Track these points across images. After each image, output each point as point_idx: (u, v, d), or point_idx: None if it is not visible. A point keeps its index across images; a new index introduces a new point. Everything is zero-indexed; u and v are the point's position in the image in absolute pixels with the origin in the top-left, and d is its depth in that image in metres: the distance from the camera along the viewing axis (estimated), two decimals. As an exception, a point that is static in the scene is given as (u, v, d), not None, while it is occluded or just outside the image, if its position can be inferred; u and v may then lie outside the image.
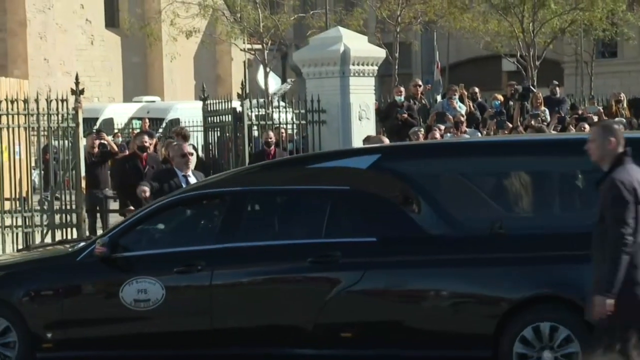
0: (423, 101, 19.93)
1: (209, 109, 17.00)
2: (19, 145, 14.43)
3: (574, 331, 7.54)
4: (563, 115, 19.11)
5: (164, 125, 28.23)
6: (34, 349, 8.34)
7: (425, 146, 10.08)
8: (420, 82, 21.18)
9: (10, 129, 13.86)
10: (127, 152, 16.48)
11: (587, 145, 6.93)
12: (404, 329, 7.94)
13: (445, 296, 7.89)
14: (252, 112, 16.29)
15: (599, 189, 6.84)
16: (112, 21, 40.21)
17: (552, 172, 8.18)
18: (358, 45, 16.63)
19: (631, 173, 6.74)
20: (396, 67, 36.00)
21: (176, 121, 28.25)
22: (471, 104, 20.16)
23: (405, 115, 18.13)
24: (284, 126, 16.77)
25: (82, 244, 8.83)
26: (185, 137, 13.41)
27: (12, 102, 13.89)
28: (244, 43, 40.28)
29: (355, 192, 8.23)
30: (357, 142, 14.79)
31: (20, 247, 12.91)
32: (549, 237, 7.78)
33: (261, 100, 18.37)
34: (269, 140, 15.37)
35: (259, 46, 38.51)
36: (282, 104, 18.81)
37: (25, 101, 14.11)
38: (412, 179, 8.13)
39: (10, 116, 13.79)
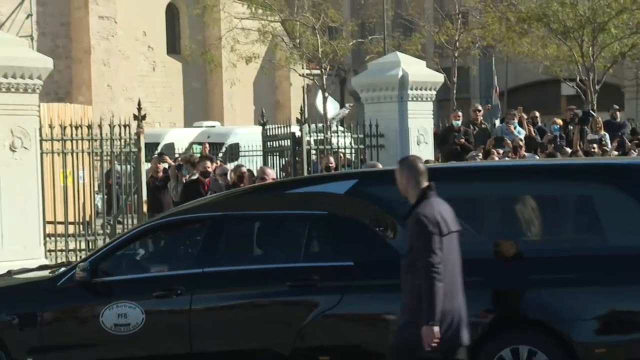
0: (483, 125, 19.85)
1: (268, 133, 17.08)
2: (83, 170, 14.62)
3: (550, 356, 7.56)
4: (623, 139, 18.92)
5: (223, 149, 28.39)
6: None
7: None
8: (480, 107, 21.09)
9: (75, 154, 14.05)
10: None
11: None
12: (381, 352, 7.83)
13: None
14: (310, 136, 16.35)
15: (406, 222, 7.07)
16: (173, 48, 40.60)
17: (533, 198, 8.18)
18: (416, 70, 16.63)
19: (434, 207, 6.98)
20: (454, 91, 35.92)
21: (236, 146, 28.43)
22: (531, 128, 20.04)
23: (463, 140, 18.07)
24: (343, 150, 16.78)
25: (63, 269, 8.82)
26: (211, 160, 13.37)
27: (76, 127, 14.09)
28: (302, 68, 40.44)
29: (333, 216, 8.26)
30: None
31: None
32: (523, 260, 7.84)
33: (320, 125, 18.41)
34: (330, 165, 15.39)
35: (318, 71, 38.64)
36: (340, 128, 18.83)
37: (89, 127, 14.30)
38: (388, 204, 8.14)
39: (74, 141, 13.98)
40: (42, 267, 10.12)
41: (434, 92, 16.76)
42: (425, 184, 7.09)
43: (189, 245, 8.81)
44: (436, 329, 6.82)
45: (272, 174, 12.65)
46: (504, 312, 7.77)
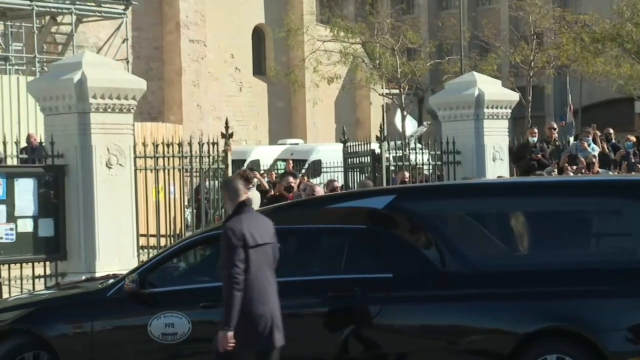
0: (557, 143, 19.65)
1: (349, 150, 17.11)
2: (174, 185, 14.79)
3: None
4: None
5: (306, 166, 28.51)
6: None
7: (437, 187, 10.09)
8: (554, 125, 20.87)
9: (166, 171, 14.22)
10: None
11: None
12: None
13: (458, 330, 7.84)
14: (389, 153, 16.32)
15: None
16: (259, 69, 40.92)
17: (559, 212, 8.19)
18: (492, 89, 16.54)
19: (243, 221, 7.30)
20: (529, 109, 35.62)
21: (318, 162, 28.52)
22: (605, 145, 19.76)
23: (540, 156, 17.90)
24: (421, 167, 16.74)
25: (111, 280, 8.85)
26: (247, 180, 13.37)
27: (167, 145, 14.25)
28: (382, 88, 40.47)
29: (372, 230, 8.25)
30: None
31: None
32: (556, 273, 7.77)
33: (398, 142, 18.38)
34: (405, 180, 15.37)
35: (397, 91, 38.63)
36: (418, 145, 18.79)
37: (180, 145, 14.46)
38: (425, 218, 8.17)
39: (166, 158, 14.15)
40: (89, 280, 10.16)
41: (509, 110, 16.65)
42: (240, 200, 7.40)
43: None
44: (230, 334, 7.15)
45: (321, 191, 12.62)
46: (541, 323, 7.70)
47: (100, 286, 8.79)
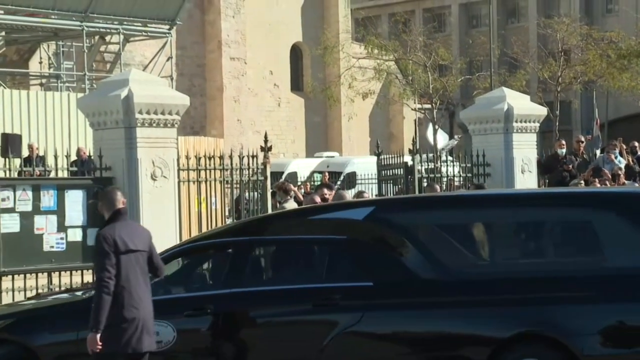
0: (584, 156, 19.52)
1: (382, 163, 17.09)
2: (215, 196, 14.84)
3: None
4: None
5: (342, 178, 28.51)
6: None
7: (415, 199, 10.01)
8: (582, 139, 20.73)
9: (208, 182, 14.27)
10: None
11: None
12: None
13: (437, 336, 7.79)
14: (422, 166, 16.29)
15: None
16: (297, 85, 41.02)
17: (533, 223, 8.22)
18: (521, 104, 16.47)
19: (116, 229, 7.39)
20: (557, 123, 35.39)
21: (353, 174, 28.51)
22: (631, 158, 19.60)
23: (570, 167, 17.79)
24: (452, 179, 16.69)
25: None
26: (286, 191, 13.37)
27: (209, 158, 14.31)
28: (414, 103, 40.41)
29: (353, 240, 8.19)
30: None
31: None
32: (531, 280, 7.75)
33: (430, 155, 18.34)
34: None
35: (429, 106, 38.57)
36: (449, 158, 18.76)
37: (221, 157, 14.51)
38: (404, 229, 8.13)
39: (208, 171, 14.21)
40: (66, 290, 9.92)
41: (538, 124, 16.56)
42: (115, 209, 7.47)
43: (217, 267, 8.62)
44: (98, 336, 7.18)
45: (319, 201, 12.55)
46: (517, 329, 7.66)
47: (84, 296, 8.55)
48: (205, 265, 8.91)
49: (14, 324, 8.51)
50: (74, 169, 13.78)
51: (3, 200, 11.91)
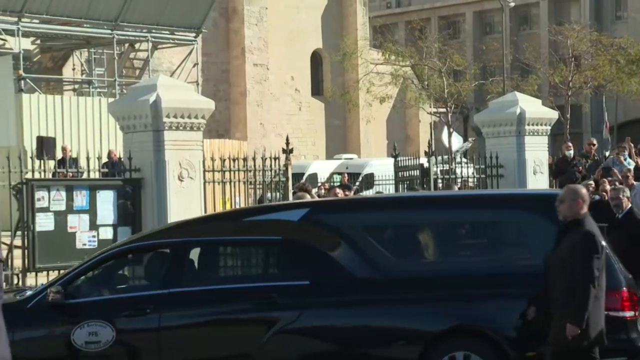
0: (595, 158, 19.43)
1: (399, 164, 17.08)
2: (239, 197, 14.86)
3: (485, 358, 7.55)
4: None
5: (360, 179, 28.48)
6: None
7: (348, 201, 9.88)
8: (594, 142, 20.64)
9: (232, 183, 14.30)
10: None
11: None
12: None
13: (373, 331, 7.75)
14: (437, 167, 16.26)
15: None
16: (317, 90, 41.00)
17: (464, 223, 8.24)
18: (532, 107, 16.43)
19: None
20: (567, 126, 35.24)
21: (371, 175, 28.45)
22: (639, 160, 19.49)
23: (579, 168, 17.72)
24: (466, 180, 16.65)
25: (29, 292, 8.27)
26: (307, 192, 13.34)
27: (233, 160, 14.34)
28: (430, 107, 40.36)
29: (289, 241, 8.08)
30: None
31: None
32: (460, 277, 7.78)
33: (445, 157, 18.31)
34: None
35: (444, 110, 38.51)
36: (464, 160, 18.69)
37: (245, 159, 14.54)
38: (338, 229, 8.06)
39: (232, 172, 14.24)
40: None
41: (549, 127, 16.51)
42: None
43: (155, 268, 8.34)
44: None
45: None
46: (449, 323, 7.71)
47: (18, 298, 8.19)
48: (143, 267, 8.60)
49: None
50: (105, 170, 13.85)
51: (38, 200, 11.99)
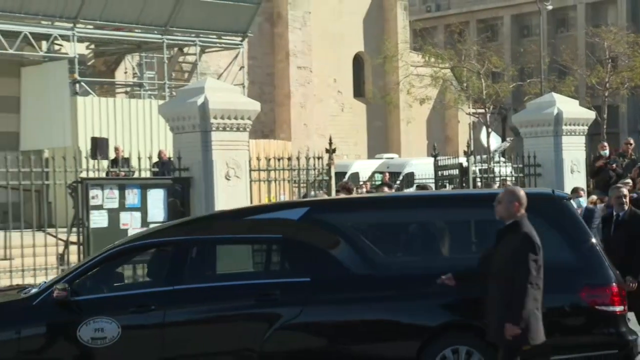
0: (632, 157, 19.19)
1: (439, 164, 17.01)
2: (284, 195, 14.91)
3: (483, 354, 7.50)
4: None
5: (401, 178, 28.41)
6: None
7: (346, 200, 9.74)
8: (631, 141, 20.32)
9: (277, 182, 14.35)
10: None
11: None
12: (339, 356, 7.73)
13: (373, 326, 7.66)
14: (476, 166, 16.19)
15: None
16: (359, 92, 40.95)
17: (456, 222, 8.09)
18: (570, 108, 16.29)
19: None
20: (604, 126, 34.88)
21: (411, 174, 28.38)
22: (675, 159, 19.20)
23: (614, 166, 17.51)
24: (504, 179, 16.54)
25: (34, 289, 8.09)
26: (349, 190, 13.35)
27: (278, 159, 14.40)
28: (469, 108, 40.14)
29: (290, 239, 8.00)
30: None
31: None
32: (457, 274, 7.52)
33: (484, 156, 18.21)
34: None
35: (482, 110, 38.27)
36: (502, 159, 18.59)
37: (289, 159, 14.59)
38: (336, 228, 7.97)
39: (277, 171, 14.30)
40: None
41: (586, 128, 16.35)
42: None
43: (159, 265, 8.19)
44: None
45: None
46: (445, 318, 7.66)
47: (23, 295, 8.02)
48: (148, 264, 8.52)
49: None
50: (156, 169, 13.97)
51: (92, 198, 12.13)
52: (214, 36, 26.94)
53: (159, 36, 25.29)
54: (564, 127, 15.83)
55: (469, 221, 8.17)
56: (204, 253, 8.08)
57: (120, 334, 7.60)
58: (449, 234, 8.23)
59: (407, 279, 7.79)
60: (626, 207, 10.16)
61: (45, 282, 8.27)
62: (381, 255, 7.93)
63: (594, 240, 7.96)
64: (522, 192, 7.28)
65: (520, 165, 16.02)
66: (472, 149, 16.24)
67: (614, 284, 7.68)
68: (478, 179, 16.04)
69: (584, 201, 13.92)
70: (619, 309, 7.65)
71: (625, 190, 10.42)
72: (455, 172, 16.22)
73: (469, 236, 8.26)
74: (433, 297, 7.66)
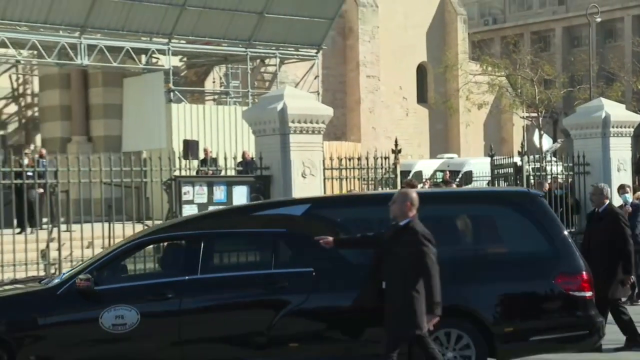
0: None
1: (495, 163, 16.81)
2: (354, 191, 14.85)
3: (470, 337, 7.48)
4: None
5: (460, 176, 28.12)
6: None
7: (343, 198, 9.57)
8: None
9: (348, 180, 14.33)
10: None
11: None
12: (342, 339, 7.61)
13: (372, 313, 7.45)
14: (529, 165, 15.95)
15: None
16: (422, 98, 40.69)
17: (446, 217, 8.03)
18: (617, 111, 15.95)
19: None
20: (649, 128, 33.95)
21: (469, 173, 28.06)
22: None
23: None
24: (555, 177, 16.25)
25: (57, 280, 7.93)
26: (413, 187, 13.15)
27: (349, 159, 14.39)
28: (523, 112, 39.51)
29: (294, 233, 7.86)
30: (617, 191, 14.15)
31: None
32: (446, 263, 7.33)
33: (536, 156, 17.91)
34: (544, 191, 14.90)
35: (535, 114, 37.63)
36: (553, 159, 18.24)
37: (359, 159, 14.57)
38: (335, 222, 7.91)
39: (348, 170, 14.28)
40: (14, 282, 8.99)
41: (632, 129, 15.97)
42: None
43: (175, 257, 8.01)
44: None
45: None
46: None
47: (47, 285, 7.85)
48: (164, 256, 8.31)
49: None
50: (240, 168, 14.06)
51: (184, 194, 12.28)
52: (292, 49, 27.03)
53: (243, 49, 25.49)
54: (611, 129, 15.51)
55: (438, 215, 8.08)
56: (216, 245, 7.97)
57: (139, 320, 7.46)
58: (440, 228, 8.02)
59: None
60: None
61: (64, 274, 8.16)
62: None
63: (566, 232, 8.01)
64: (414, 194, 7.26)
65: (570, 164, 15.73)
66: (525, 149, 16.00)
67: (584, 272, 7.73)
68: (531, 177, 15.79)
69: (629, 197, 13.61)
70: (588, 294, 7.71)
71: None
72: (510, 170, 16.00)
73: (437, 227, 8.13)
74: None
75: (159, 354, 7.50)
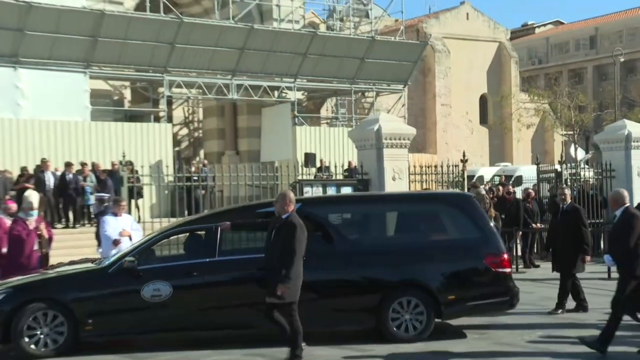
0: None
1: (540, 169, 16.28)
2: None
3: (423, 303, 7.47)
4: None
5: (512, 179, 27.32)
6: (78, 331, 7.22)
7: (329, 198, 9.29)
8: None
9: (427, 182, 14.17)
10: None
11: None
12: (326, 308, 7.41)
13: (350, 284, 7.46)
14: (567, 171, 15.38)
15: None
16: (484, 120, 39.86)
17: (405, 212, 7.97)
18: (637, 130, 15.21)
19: None
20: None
21: (520, 177, 27.22)
22: None
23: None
24: (587, 180, 15.59)
25: (107, 261, 7.67)
26: (475, 187, 12.68)
27: (428, 167, 14.23)
28: (561, 131, 38.12)
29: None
30: (637, 192, 13.46)
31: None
32: (406, 249, 7.57)
33: (573, 164, 17.23)
34: (565, 193, 14.20)
35: (571, 132, 36.24)
36: (586, 166, 17.49)
37: (435, 167, 14.39)
38: (322, 218, 7.66)
39: (427, 175, 14.12)
40: (72, 262, 8.54)
41: (651, 144, 15.16)
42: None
43: (200, 243, 7.68)
44: None
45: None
46: (401, 278, 7.51)
47: (100, 266, 7.63)
48: (190, 242, 7.88)
49: (50, 285, 7.48)
50: (346, 174, 14.14)
51: (305, 192, 12.42)
52: (385, 84, 26.92)
53: (349, 85, 25.58)
54: (632, 143, 14.77)
55: (407, 212, 8.04)
56: (229, 235, 7.78)
57: (171, 292, 7.30)
58: (395, 221, 8.10)
59: (371, 251, 7.62)
60: None
61: (112, 255, 7.97)
62: (355, 235, 7.77)
63: (492, 223, 8.08)
64: (291, 195, 6.97)
65: (599, 171, 15.05)
66: (564, 159, 15.43)
67: (504, 254, 7.75)
68: (568, 181, 15.21)
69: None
70: (508, 270, 7.71)
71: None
72: (552, 175, 15.44)
73: (407, 222, 8.11)
74: (391, 265, 7.56)
75: (188, 318, 7.40)
